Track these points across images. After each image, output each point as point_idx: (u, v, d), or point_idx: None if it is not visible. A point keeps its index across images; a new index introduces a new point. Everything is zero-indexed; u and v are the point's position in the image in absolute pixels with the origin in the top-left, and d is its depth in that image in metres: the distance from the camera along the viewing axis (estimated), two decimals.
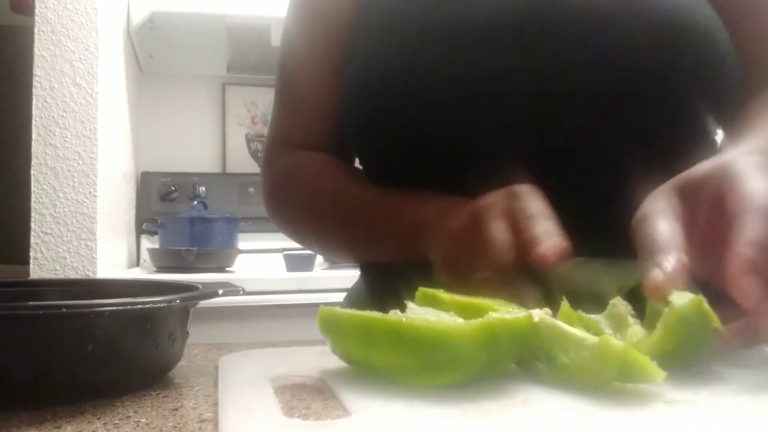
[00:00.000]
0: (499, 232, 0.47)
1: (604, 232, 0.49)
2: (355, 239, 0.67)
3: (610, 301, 0.42)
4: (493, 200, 0.50)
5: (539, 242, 0.45)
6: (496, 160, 0.57)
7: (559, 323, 0.38)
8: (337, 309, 0.40)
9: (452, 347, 0.35)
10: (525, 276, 0.46)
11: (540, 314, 0.38)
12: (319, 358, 0.44)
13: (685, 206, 0.44)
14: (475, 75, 0.57)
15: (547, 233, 0.45)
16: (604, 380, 0.35)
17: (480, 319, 0.35)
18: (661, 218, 0.43)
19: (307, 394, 0.37)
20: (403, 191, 0.61)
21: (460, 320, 0.36)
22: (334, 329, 0.40)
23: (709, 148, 0.63)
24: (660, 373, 0.33)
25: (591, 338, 0.36)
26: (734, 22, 0.60)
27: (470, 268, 0.48)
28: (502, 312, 0.37)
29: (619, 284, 0.44)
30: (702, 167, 0.45)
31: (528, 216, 0.47)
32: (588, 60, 0.56)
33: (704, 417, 0.32)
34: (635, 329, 0.39)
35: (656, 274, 0.39)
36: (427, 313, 0.40)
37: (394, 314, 0.38)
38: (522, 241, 0.46)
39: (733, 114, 0.61)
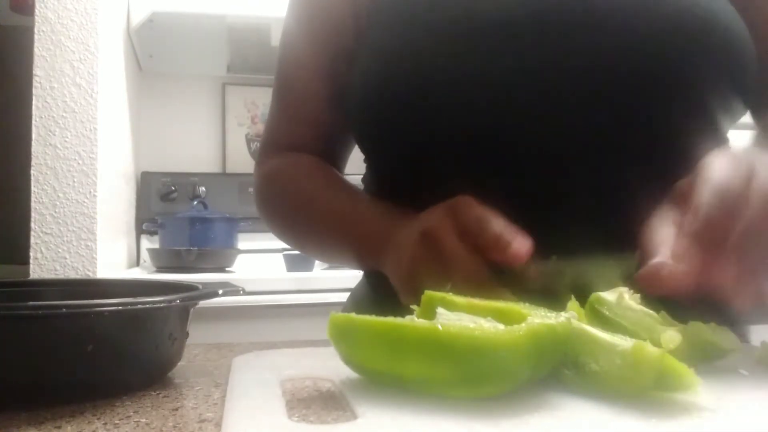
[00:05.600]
0: (456, 243, 0.47)
1: (617, 232, 0.48)
2: (323, 243, 0.70)
3: (619, 289, 0.41)
4: (437, 216, 0.50)
5: (503, 241, 0.45)
6: (510, 158, 0.56)
7: (588, 328, 0.36)
8: (354, 315, 0.36)
9: (497, 356, 0.32)
10: (495, 281, 0.46)
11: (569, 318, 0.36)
12: (333, 360, 0.42)
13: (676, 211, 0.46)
14: (490, 71, 0.56)
15: (506, 230, 0.45)
16: (639, 389, 0.33)
17: (525, 325, 0.32)
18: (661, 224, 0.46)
19: (315, 398, 0.37)
20: (371, 201, 0.63)
21: (501, 326, 0.33)
22: (350, 337, 0.37)
23: (723, 141, 0.62)
24: (696, 382, 0.32)
25: (623, 343, 0.34)
26: (741, 8, 0.59)
27: (436, 284, 0.46)
28: (544, 317, 0.35)
29: (610, 277, 0.43)
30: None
31: (477, 221, 0.47)
32: (608, 56, 0.54)
33: (736, 426, 0.31)
34: (671, 334, 0.35)
35: (658, 266, 0.41)
36: (462, 318, 0.36)
37: (426, 320, 0.35)
38: (482, 245, 0.46)
39: (757, 101, 0.61)
